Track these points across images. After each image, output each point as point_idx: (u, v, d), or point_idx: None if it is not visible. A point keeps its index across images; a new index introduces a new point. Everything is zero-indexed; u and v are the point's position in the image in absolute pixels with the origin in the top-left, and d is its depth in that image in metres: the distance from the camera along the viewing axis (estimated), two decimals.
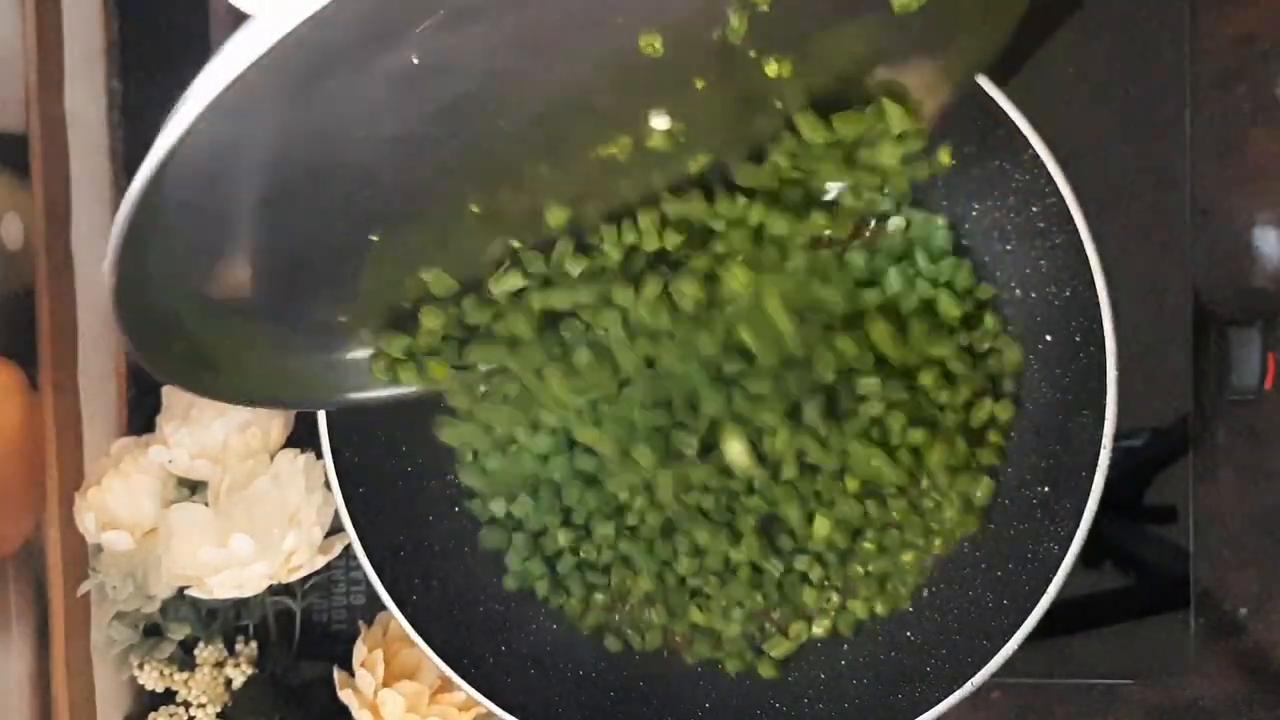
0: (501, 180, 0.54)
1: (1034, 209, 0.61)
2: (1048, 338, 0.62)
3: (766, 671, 0.65)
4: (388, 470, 0.66)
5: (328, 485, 0.63)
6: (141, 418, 0.72)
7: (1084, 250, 0.58)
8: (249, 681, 0.69)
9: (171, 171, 0.41)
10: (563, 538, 0.66)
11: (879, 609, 0.65)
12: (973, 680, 0.59)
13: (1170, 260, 0.68)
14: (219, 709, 0.69)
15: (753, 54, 0.52)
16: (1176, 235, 0.68)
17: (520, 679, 0.65)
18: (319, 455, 0.64)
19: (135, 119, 0.72)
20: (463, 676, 0.62)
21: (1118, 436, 0.58)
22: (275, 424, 0.69)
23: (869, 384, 0.62)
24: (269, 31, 0.37)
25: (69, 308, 0.68)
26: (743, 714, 0.65)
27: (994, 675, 0.59)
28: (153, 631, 0.69)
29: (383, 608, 0.62)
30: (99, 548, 0.68)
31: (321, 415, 0.62)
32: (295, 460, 0.67)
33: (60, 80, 0.68)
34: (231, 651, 0.69)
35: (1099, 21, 0.68)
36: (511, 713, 0.62)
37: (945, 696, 0.59)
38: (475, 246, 0.57)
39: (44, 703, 0.65)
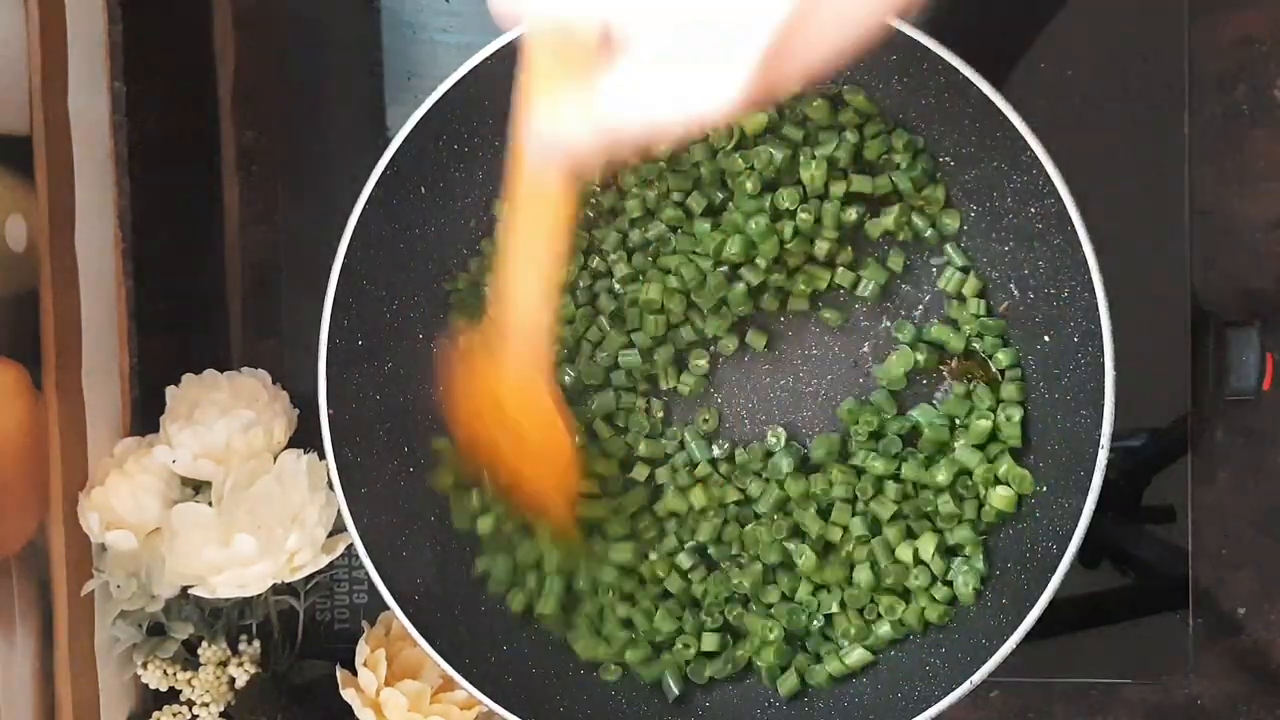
0: None
1: (1032, 210, 0.61)
2: (1046, 338, 0.63)
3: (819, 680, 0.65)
4: (389, 470, 0.66)
5: (330, 485, 0.63)
6: (145, 418, 0.72)
7: (1082, 251, 0.58)
8: (252, 680, 0.69)
9: None
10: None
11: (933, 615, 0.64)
12: (972, 679, 0.59)
13: (1169, 260, 0.68)
14: (222, 708, 0.69)
15: None
16: (1175, 235, 0.68)
17: (521, 678, 0.65)
18: (321, 456, 0.64)
19: (138, 120, 0.73)
20: (464, 675, 0.62)
21: (1116, 436, 0.58)
22: (278, 424, 0.69)
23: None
24: None
25: (73, 308, 0.68)
26: (743, 712, 0.65)
27: (993, 674, 0.59)
28: (156, 630, 0.69)
29: (385, 607, 0.63)
30: (103, 547, 0.68)
31: (324, 415, 0.63)
32: (298, 460, 0.67)
33: (63, 82, 0.68)
34: (235, 650, 0.70)
35: (1098, 22, 0.68)
36: (512, 712, 0.62)
37: (944, 695, 0.59)
38: None
39: (48, 701, 0.65)
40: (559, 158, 0.46)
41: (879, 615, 0.64)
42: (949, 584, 0.63)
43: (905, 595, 0.64)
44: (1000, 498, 0.62)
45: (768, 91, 0.41)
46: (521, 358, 0.58)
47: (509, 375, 0.59)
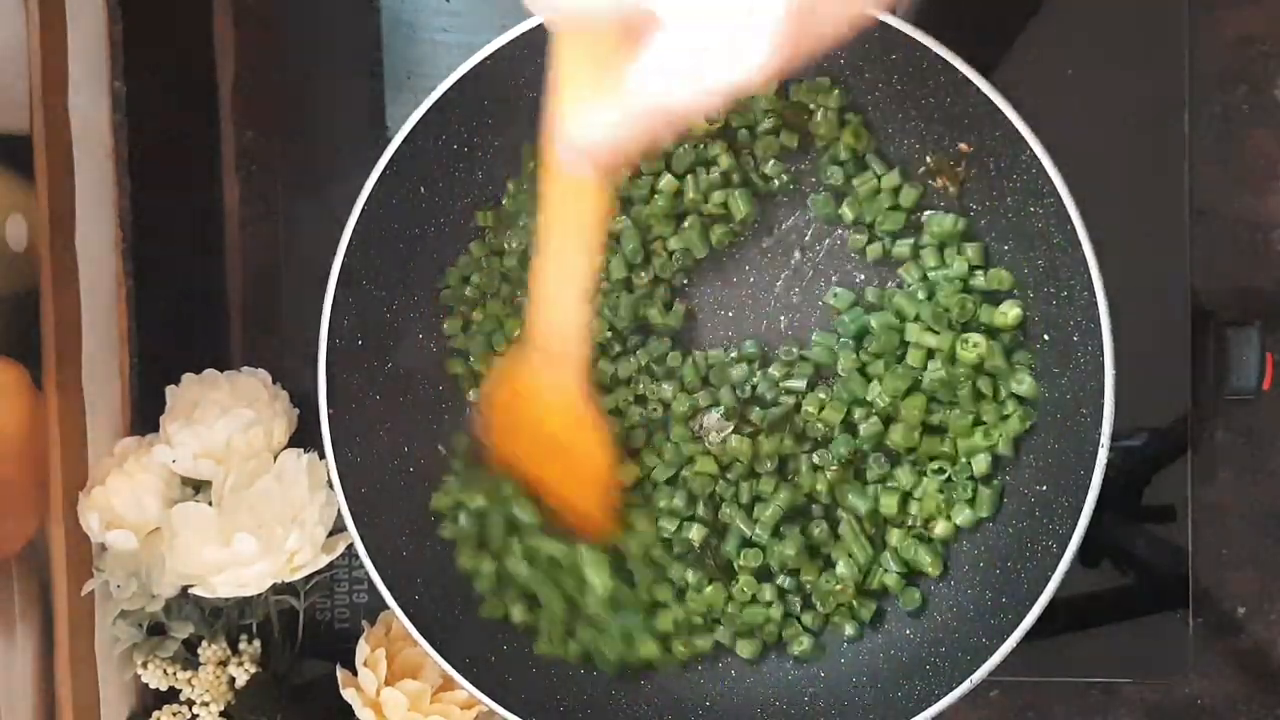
0: None
1: (1032, 209, 0.61)
2: (1046, 337, 0.63)
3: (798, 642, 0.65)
4: (389, 470, 0.66)
5: (330, 485, 0.63)
6: (145, 417, 0.72)
7: (1082, 250, 0.58)
8: (252, 680, 0.69)
9: None
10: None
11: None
12: (972, 678, 0.59)
13: (1169, 260, 0.68)
14: (222, 707, 0.69)
15: None
16: (1175, 235, 0.68)
17: (521, 677, 0.65)
18: (321, 455, 0.64)
19: (138, 120, 0.73)
20: (464, 675, 0.62)
21: (1116, 436, 0.58)
22: (278, 424, 0.69)
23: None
24: None
25: (73, 308, 0.68)
26: (743, 712, 0.65)
27: (993, 673, 0.59)
28: (156, 630, 0.69)
29: (385, 606, 0.63)
30: (103, 547, 0.68)
31: (324, 415, 0.63)
32: (298, 460, 0.68)
33: (64, 82, 0.68)
34: (235, 650, 0.70)
35: (1099, 22, 0.68)
36: (512, 711, 0.62)
37: (945, 694, 0.59)
38: None
39: (48, 701, 0.65)
40: (594, 152, 0.44)
41: (985, 432, 0.63)
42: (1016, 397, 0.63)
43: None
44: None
45: (792, 54, 0.39)
46: (559, 366, 0.58)
47: (549, 387, 0.59)
